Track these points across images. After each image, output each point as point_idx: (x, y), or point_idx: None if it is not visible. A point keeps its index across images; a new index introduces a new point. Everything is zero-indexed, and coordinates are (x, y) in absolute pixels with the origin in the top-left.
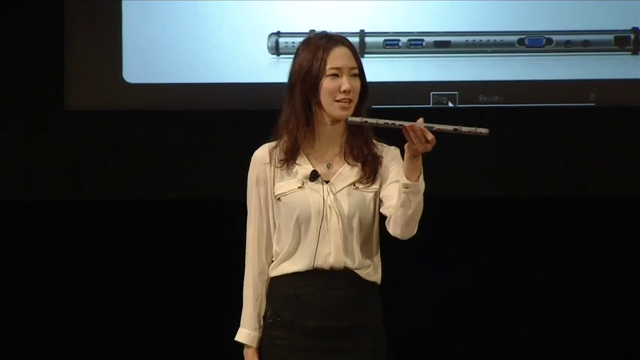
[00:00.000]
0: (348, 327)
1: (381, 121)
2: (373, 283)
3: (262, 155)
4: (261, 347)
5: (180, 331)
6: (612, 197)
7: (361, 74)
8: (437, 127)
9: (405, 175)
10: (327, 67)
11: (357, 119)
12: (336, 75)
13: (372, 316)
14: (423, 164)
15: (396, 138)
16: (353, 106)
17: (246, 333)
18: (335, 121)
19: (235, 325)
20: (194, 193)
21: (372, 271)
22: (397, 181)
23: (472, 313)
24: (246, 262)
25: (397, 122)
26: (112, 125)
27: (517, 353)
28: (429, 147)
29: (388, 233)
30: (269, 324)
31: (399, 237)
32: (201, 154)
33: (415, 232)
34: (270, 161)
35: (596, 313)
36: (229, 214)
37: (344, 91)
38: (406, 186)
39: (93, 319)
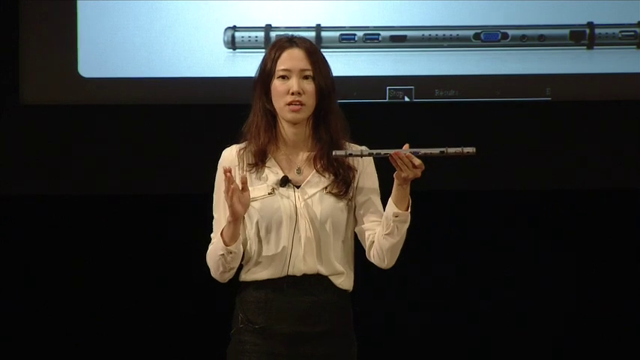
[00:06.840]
0: (319, 333)
1: (366, 152)
2: (345, 291)
3: (231, 158)
4: (232, 353)
5: (157, 324)
6: (567, 191)
7: (317, 77)
8: (423, 151)
9: (394, 204)
10: (277, 67)
11: (341, 152)
12: (285, 77)
13: (343, 323)
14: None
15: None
16: (307, 109)
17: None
18: (295, 125)
19: (215, 321)
20: (152, 187)
21: (345, 280)
22: (371, 199)
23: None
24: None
25: (382, 151)
26: (67, 120)
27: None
28: (418, 172)
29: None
30: (240, 329)
31: (385, 267)
32: (158, 149)
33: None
34: (239, 164)
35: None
36: (189, 208)
37: (292, 93)
38: (396, 215)
39: (57, 316)
